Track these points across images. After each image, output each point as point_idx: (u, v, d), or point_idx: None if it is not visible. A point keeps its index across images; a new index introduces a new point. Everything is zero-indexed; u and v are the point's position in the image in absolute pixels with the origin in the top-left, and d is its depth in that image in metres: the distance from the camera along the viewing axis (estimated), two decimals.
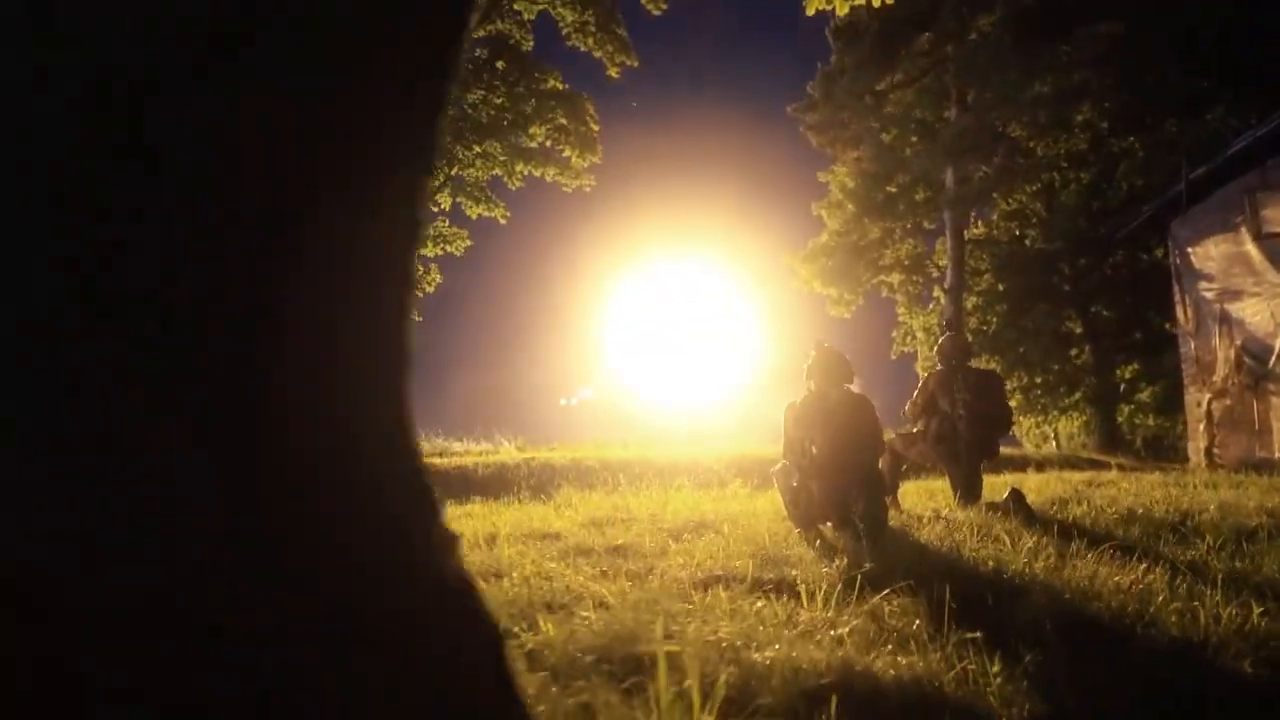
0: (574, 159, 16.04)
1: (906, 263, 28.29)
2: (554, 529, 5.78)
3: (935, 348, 7.67)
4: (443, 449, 18.71)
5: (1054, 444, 32.95)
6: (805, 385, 5.98)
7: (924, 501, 7.42)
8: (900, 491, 7.47)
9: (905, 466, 7.81)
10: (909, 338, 30.20)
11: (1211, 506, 6.79)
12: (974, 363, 7.61)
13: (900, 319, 30.03)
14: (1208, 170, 11.99)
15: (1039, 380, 28.90)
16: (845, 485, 5.42)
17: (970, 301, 28.59)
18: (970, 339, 28.37)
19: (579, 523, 6.11)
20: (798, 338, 29.68)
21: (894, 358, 30.75)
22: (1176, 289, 13.87)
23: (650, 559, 4.55)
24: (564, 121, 15.13)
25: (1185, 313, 13.59)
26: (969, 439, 7.18)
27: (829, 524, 5.59)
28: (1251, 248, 11.69)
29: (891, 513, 6.02)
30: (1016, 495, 6.38)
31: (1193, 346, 13.38)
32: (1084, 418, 29.78)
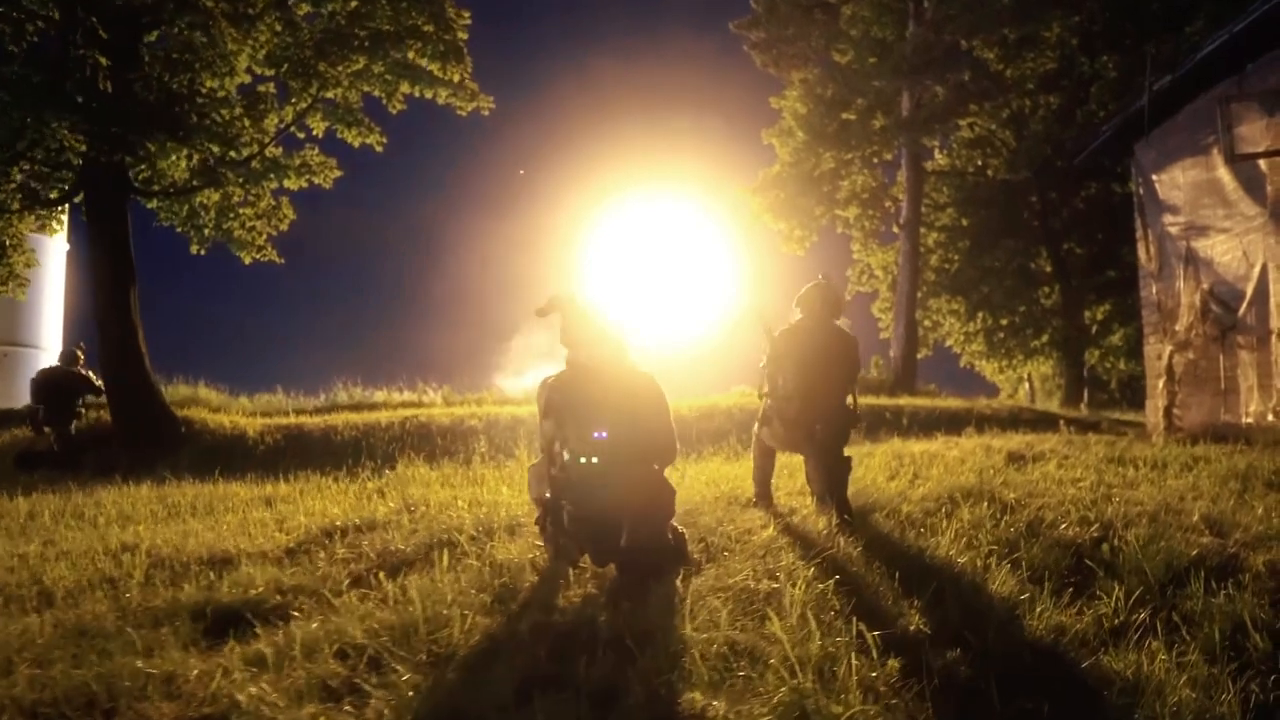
0: (435, 70, 13.81)
1: (864, 196, 26.17)
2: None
3: (796, 298, 5.80)
4: (360, 400, 17.35)
5: (1028, 388, 31.37)
6: (792, 315, 5.57)
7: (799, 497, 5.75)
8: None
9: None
10: (866, 276, 28.24)
11: (1144, 520, 5.04)
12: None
13: (855, 256, 28.02)
14: (1174, 80, 9.96)
15: (1004, 322, 27.08)
16: (813, 419, 5.19)
17: (930, 238, 26.63)
18: (932, 276, 26.64)
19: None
20: (751, 279, 27.69)
21: (848, 298, 28.78)
22: (1139, 222, 11.94)
23: None
24: (423, 25, 12.87)
25: (1148, 250, 11.68)
26: (826, 422, 5.41)
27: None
28: (1224, 172, 9.75)
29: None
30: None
31: (1154, 290, 11.50)
32: (1050, 362, 28.06)
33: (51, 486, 8.56)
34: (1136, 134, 11.71)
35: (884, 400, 17.15)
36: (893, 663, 2.71)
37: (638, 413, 3.99)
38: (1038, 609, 3.53)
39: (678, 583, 3.61)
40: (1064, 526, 4.91)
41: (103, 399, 12.47)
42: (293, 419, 13.59)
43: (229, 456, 10.95)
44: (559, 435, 3.98)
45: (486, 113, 15.81)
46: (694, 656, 2.73)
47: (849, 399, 5.64)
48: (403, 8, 12.62)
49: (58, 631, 3.15)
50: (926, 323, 27.38)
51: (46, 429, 11.80)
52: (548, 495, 4.06)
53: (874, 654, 2.75)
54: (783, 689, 2.44)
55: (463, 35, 13.48)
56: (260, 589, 3.73)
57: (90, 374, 12.12)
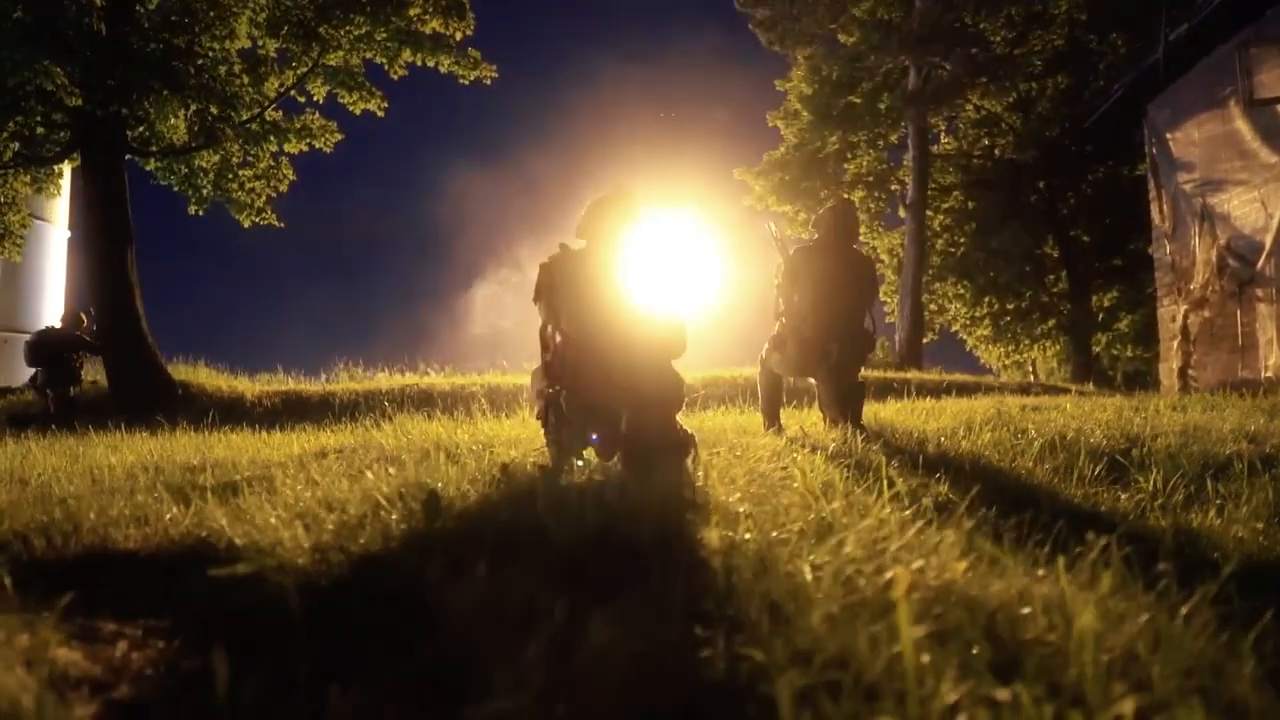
0: (438, 26, 13.61)
1: (869, 178, 25.93)
2: None
3: (813, 221, 5.62)
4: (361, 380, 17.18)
5: (1032, 377, 31.08)
6: (810, 235, 5.47)
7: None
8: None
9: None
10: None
11: (1172, 431, 4.83)
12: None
13: (861, 240, 27.72)
14: (1191, 28, 9.75)
15: (1010, 306, 26.80)
16: (829, 338, 5.06)
17: (936, 221, 26.35)
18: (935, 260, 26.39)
19: None
20: (750, 263, 27.47)
21: None
22: (1152, 183, 11.73)
23: None
24: None
25: (1161, 210, 11.46)
26: (842, 343, 5.22)
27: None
28: (1241, 123, 9.53)
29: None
30: None
31: (1168, 250, 11.29)
32: (1057, 348, 27.77)
33: (42, 436, 8.36)
34: (1149, 95, 11.52)
35: (891, 374, 16.92)
36: (926, 500, 2.49)
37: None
38: (1072, 488, 3.33)
39: (688, 462, 3.41)
40: (1090, 439, 4.71)
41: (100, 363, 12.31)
42: (291, 385, 13.40)
43: (226, 417, 10.74)
44: (551, 318, 3.75)
45: (489, 81, 15.62)
46: (711, 508, 2.51)
47: (866, 321, 5.46)
48: None
49: (27, 493, 2.95)
50: (932, 306, 27.11)
51: (48, 391, 11.63)
52: (549, 389, 3.85)
53: (901, 493, 2.55)
54: (809, 514, 2.24)
55: None
56: (246, 471, 3.54)
57: (88, 337, 11.94)
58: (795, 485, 2.70)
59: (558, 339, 3.72)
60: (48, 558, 2.09)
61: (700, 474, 2.85)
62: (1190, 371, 10.76)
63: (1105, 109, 12.17)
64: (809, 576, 1.49)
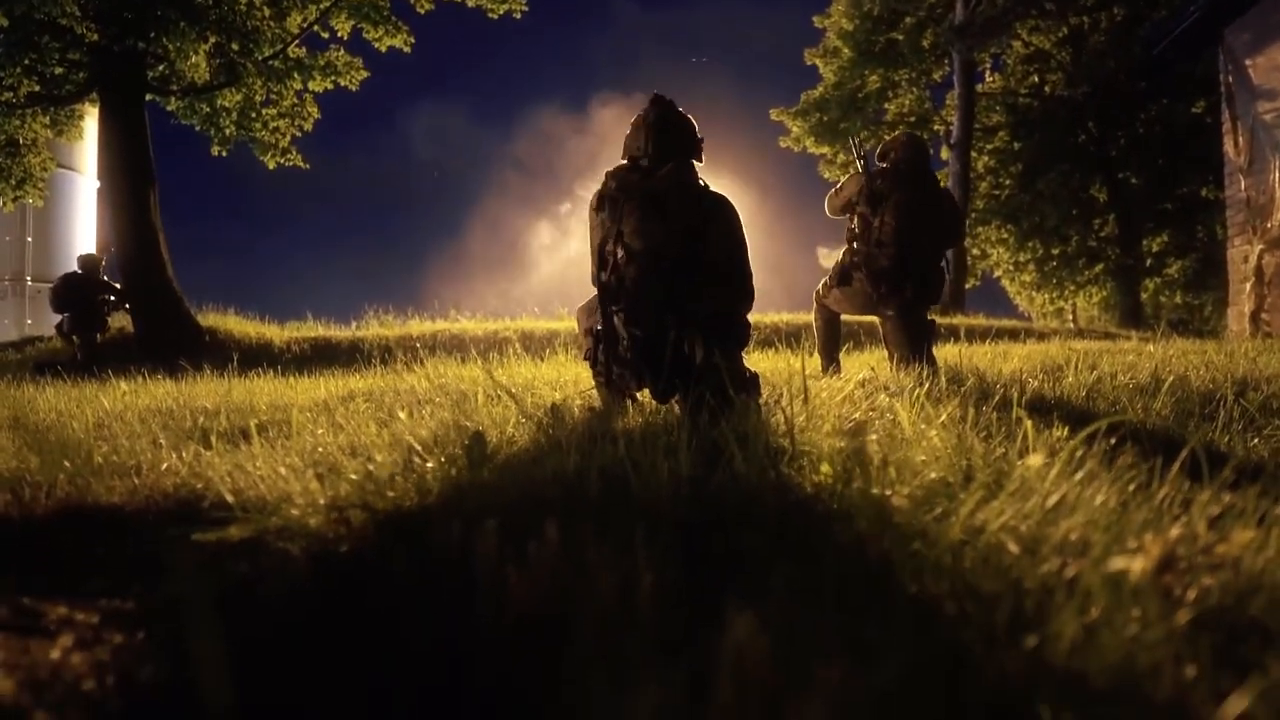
0: None
1: (911, 118, 24.94)
2: None
3: (880, 150, 5.13)
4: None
5: (1072, 324, 30.21)
6: (875, 163, 4.99)
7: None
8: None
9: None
10: None
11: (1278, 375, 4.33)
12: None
13: None
14: None
15: (1056, 251, 25.85)
16: (906, 274, 4.63)
17: (980, 163, 25.35)
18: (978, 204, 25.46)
19: None
20: (786, 209, 26.87)
21: None
22: (1227, 114, 10.93)
23: None
24: None
25: (1236, 143, 10.69)
26: (921, 279, 4.77)
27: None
28: None
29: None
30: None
31: (1243, 186, 10.55)
32: (1104, 294, 26.82)
33: (63, 382, 8.10)
34: (1227, 18, 10.68)
35: (936, 318, 16.33)
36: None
37: (708, 231, 3.28)
38: (1217, 434, 2.87)
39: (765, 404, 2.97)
40: (1194, 382, 4.22)
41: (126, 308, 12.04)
42: (320, 332, 13.10)
43: (253, 362, 10.45)
44: (610, 233, 3.28)
45: (519, 15, 14.99)
46: (822, 456, 2.07)
47: (943, 261, 5.02)
48: None
49: (14, 438, 2.58)
50: (975, 251, 26.27)
51: (74, 337, 11.40)
52: (599, 325, 3.41)
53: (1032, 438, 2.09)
54: (940, 462, 1.79)
55: None
56: (264, 416, 3.15)
57: (106, 278, 11.68)
58: (904, 430, 2.25)
59: (619, 254, 3.26)
60: (10, 514, 1.70)
61: (801, 416, 2.40)
62: (1264, 315, 10.11)
63: (1180, 31, 11.33)
64: (1013, 548, 1.05)
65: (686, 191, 3.32)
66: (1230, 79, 10.81)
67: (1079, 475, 1.41)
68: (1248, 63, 10.33)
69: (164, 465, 2.09)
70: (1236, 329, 10.66)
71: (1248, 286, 10.36)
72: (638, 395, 3.39)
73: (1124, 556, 0.97)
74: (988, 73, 25.45)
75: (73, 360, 11.17)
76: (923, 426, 2.06)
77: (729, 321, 3.31)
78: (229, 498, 1.57)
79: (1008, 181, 25.47)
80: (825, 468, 1.74)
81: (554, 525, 1.18)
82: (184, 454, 2.20)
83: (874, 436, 1.97)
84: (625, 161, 3.47)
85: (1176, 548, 1.02)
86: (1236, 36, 10.57)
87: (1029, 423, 2.07)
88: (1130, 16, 22.50)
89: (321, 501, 1.51)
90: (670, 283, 3.15)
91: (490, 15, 14.83)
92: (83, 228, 26.30)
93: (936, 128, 25.08)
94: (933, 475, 1.65)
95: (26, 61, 10.13)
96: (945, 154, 23.70)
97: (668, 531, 1.19)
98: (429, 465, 1.92)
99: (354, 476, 1.69)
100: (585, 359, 3.56)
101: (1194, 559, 1.02)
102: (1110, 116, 23.92)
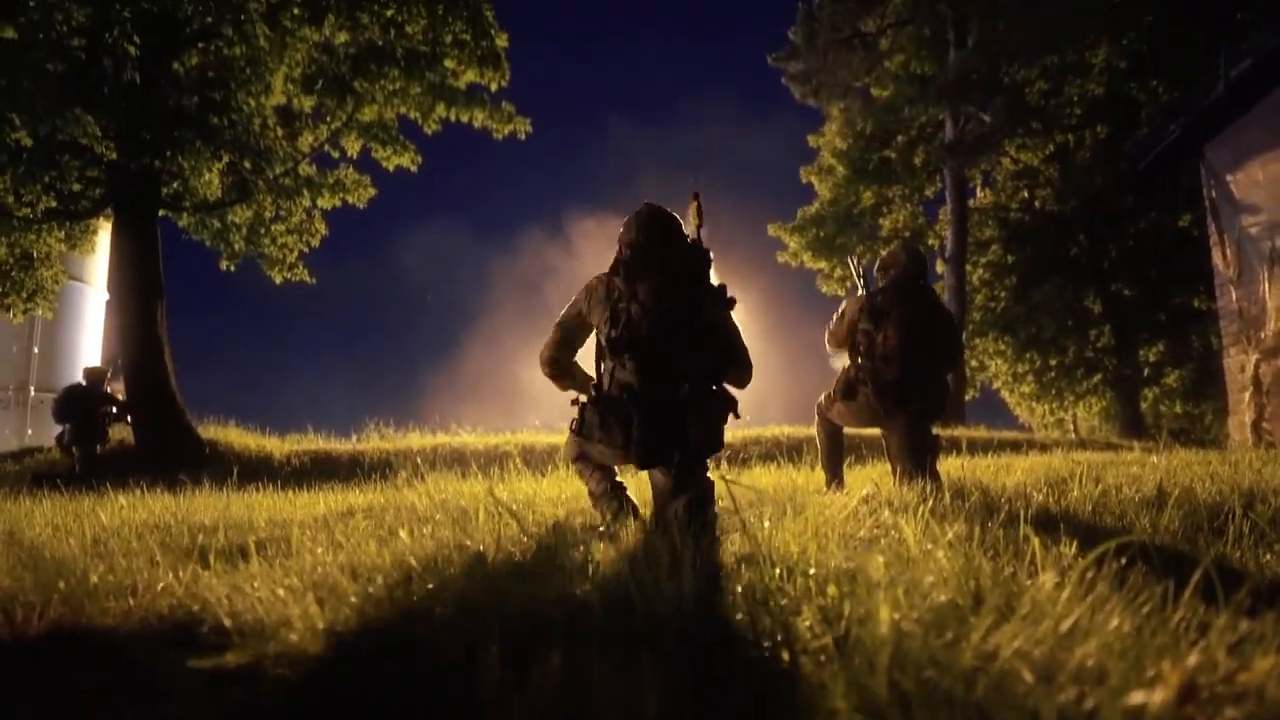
0: (473, 76, 13.49)
1: (905, 233, 25.52)
2: None
3: (879, 262, 5.24)
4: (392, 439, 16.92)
5: (1073, 434, 30.12)
6: (876, 279, 5.11)
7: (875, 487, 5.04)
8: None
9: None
10: None
11: None
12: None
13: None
14: (1254, 63, 9.34)
15: (1053, 362, 26.02)
16: (911, 387, 4.67)
17: (975, 276, 25.81)
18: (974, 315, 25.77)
19: None
20: (784, 321, 27.19)
21: None
22: (1213, 229, 11.20)
23: None
24: (462, 34, 12.59)
25: (1225, 256, 10.92)
26: (925, 393, 4.80)
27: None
28: None
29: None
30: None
31: (1234, 298, 10.72)
32: (1103, 404, 26.87)
33: (61, 494, 8.04)
34: (1205, 136, 11.07)
35: (937, 431, 16.28)
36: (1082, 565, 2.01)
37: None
38: (1227, 549, 2.83)
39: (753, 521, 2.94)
40: (1201, 494, 4.18)
41: (128, 421, 12.06)
42: (320, 445, 13.06)
43: (253, 475, 10.39)
44: (624, 295, 3.35)
45: (524, 136, 15.49)
46: (830, 577, 2.04)
47: (947, 376, 5.08)
48: (439, 15, 12.34)
49: (10, 555, 2.55)
50: (973, 363, 26.45)
51: (74, 449, 11.39)
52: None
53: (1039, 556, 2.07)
54: (948, 585, 1.76)
55: (501, 43, 13.17)
56: (262, 532, 3.12)
57: (115, 393, 11.74)
58: (910, 550, 2.23)
59: (634, 310, 3.34)
60: (1, 636, 1.67)
61: (808, 534, 2.38)
62: (1265, 424, 10.11)
63: (1160, 150, 11.71)
64: (1028, 676, 1.03)
65: (691, 256, 3.48)
66: (1214, 194, 11.12)
67: (1090, 598, 1.39)
68: (1229, 178, 10.65)
69: (160, 585, 2.06)
70: (1238, 438, 10.65)
71: (1247, 396, 10.40)
72: (616, 468, 3.53)
73: (1144, 688, 0.95)
74: (979, 188, 26.18)
75: (71, 472, 11.12)
76: (929, 545, 2.03)
77: (723, 402, 3.39)
78: (226, 621, 1.54)
79: (1003, 294, 25.87)
80: (832, 589, 1.72)
81: (557, 653, 1.16)
82: (181, 574, 2.17)
83: (881, 558, 1.95)
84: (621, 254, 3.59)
85: (1196, 676, 1.00)
86: (1216, 153, 10.93)
87: (1036, 540, 2.06)
88: (1113, 134, 23.29)
89: (321, 626, 1.48)
90: (676, 331, 3.27)
91: (496, 136, 15.33)
92: (89, 339, 26.57)
93: (931, 242, 25.63)
94: (942, 598, 1.63)
95: (47, 179, 10.46)
96: (940, 268, 24.14)
97: (668, 654, 1.17)
98: (430, 587, 1.90)
99: (354, 599, 1.67)
100: (572, 430, 3.59)
101: (1215, 688, 1.00)
102: (1100, 230, 24.46)
